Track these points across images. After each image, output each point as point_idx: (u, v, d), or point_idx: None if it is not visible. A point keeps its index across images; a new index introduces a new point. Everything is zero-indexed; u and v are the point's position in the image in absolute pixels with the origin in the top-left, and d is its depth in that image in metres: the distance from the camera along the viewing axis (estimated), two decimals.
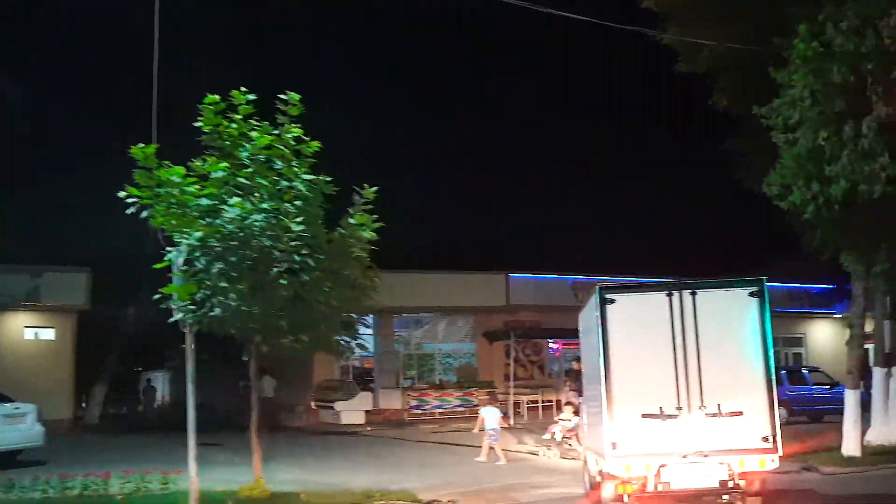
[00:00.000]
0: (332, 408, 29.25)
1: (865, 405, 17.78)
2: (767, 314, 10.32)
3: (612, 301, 10.48)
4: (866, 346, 18.82)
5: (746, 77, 17.61)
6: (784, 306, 34.72)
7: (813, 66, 15.04)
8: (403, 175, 38.05)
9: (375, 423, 28.47)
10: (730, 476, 10.07)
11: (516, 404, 28.36)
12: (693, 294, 10.46)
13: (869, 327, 18.88)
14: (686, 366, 10.25)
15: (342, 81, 49.89)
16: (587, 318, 11.59)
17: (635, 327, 10.44)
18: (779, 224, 18.82)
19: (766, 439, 10.10)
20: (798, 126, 15.60)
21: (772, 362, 10.25)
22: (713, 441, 10.09)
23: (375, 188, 12.77)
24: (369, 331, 33.16)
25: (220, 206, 11.48)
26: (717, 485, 10.06)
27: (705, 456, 10.07)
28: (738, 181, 20.27)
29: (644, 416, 10.17)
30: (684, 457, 10.08)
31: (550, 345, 34.80)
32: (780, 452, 10.12)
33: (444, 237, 36.63)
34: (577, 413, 17.62)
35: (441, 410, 30.44)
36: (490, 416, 18.68)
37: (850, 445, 16.77)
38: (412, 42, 50.84)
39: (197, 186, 11.65)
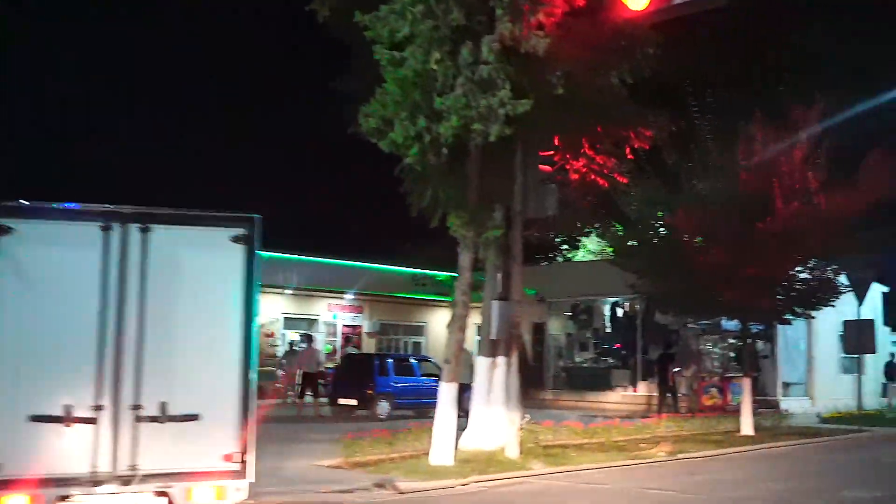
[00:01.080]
0: None
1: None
2: (256, 271, 7.24)
3: (9, 230, 6.76)
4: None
5: None
6: (407, 291, 33.02)
7: None
8: None
9: None
10: None
11: None
12: (145, 230, 7.09)
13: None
14: (119, 342, 6.88)
15: None
16: None
17: (43, 274, 6.83)
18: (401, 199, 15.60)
19: (230, 457, 7.00)
20: (408, 42, 12.38)
21: (254, 343, 7.17)
22: (149, 459, 6.87)
23: None
24: None
25: None
26: None
27: (128, 483, 6.78)
28: (344, 127, 16.60)
29: (35, 418, 6.63)
30: (97, 484, 6.73)
31: None
32: (252, 478, 7.14)
33: None
34: None
35: None
36: None
37: (441, 452, 13.89)
38: None
39: None
